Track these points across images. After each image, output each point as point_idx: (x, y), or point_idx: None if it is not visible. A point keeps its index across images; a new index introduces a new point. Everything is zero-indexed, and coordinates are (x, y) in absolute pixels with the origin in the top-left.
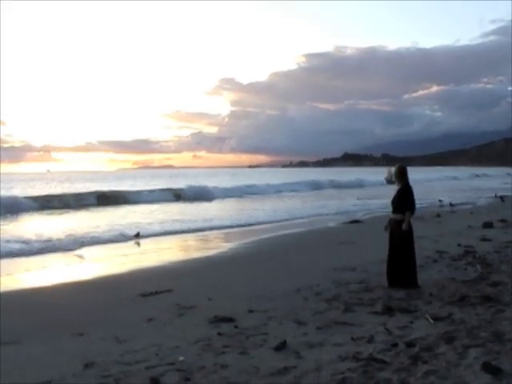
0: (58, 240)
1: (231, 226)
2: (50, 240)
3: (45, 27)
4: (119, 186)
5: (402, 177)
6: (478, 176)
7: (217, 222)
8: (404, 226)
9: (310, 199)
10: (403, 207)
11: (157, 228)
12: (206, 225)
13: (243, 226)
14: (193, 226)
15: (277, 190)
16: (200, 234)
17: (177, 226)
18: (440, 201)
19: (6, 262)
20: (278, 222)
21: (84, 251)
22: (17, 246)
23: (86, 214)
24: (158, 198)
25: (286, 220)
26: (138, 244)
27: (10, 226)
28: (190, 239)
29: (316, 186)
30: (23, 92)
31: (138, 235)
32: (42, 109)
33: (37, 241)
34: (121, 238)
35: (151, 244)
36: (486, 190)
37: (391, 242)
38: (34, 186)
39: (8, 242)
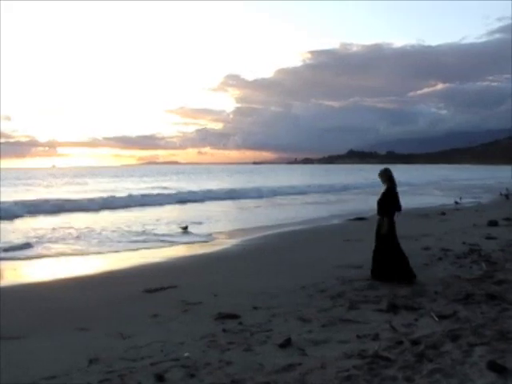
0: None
1: None
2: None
3: (50, 22)
4: None
5: (386, 179)
6: None
7: None
8: (383, 231)
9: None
10: (383, 210)
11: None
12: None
13: None
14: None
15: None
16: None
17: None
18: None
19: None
20: None
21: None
22: None
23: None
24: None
25: None
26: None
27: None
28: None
29: None
30: (29, 87)
31: (185, 228)
32: (47, 104)
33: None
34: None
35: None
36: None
37: (375, 239)
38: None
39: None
